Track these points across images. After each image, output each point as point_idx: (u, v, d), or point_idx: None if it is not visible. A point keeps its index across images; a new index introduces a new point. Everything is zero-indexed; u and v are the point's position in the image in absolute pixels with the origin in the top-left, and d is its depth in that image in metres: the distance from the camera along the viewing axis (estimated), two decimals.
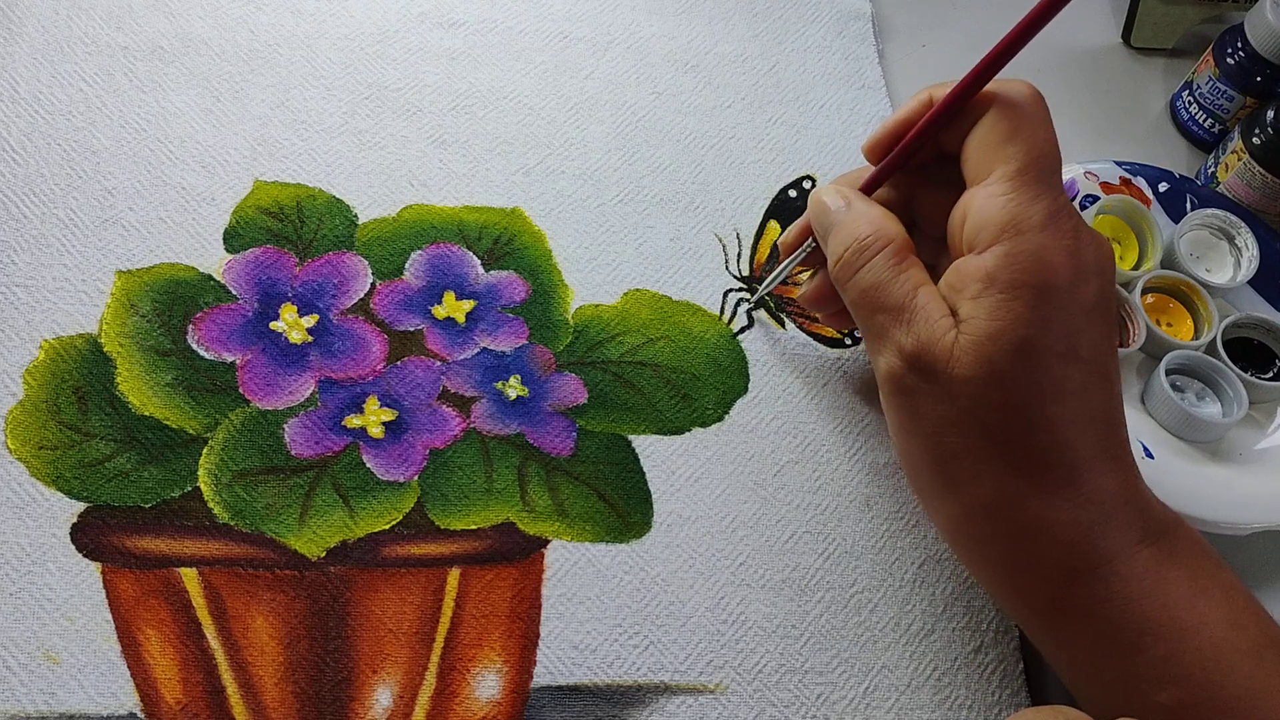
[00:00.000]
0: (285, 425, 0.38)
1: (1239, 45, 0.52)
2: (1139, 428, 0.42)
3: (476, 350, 0.41)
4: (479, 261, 0.43)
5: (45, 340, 0.38)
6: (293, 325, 0.40)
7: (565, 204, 0.45)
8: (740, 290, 0.45)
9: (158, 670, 0.33)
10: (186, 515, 0.35)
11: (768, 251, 0.46)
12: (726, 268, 0.45)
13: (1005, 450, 0.32)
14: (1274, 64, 0.51)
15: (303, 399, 0.38)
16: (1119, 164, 0.49)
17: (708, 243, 0.46)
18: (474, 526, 0.37)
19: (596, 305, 0.43)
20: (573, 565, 0.37)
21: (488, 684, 0.35)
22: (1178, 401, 0.42)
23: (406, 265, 0.42)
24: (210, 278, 0.40)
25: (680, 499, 0.39)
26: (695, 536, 0.39)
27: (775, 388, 0.43)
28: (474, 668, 0.35)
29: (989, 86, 0.34)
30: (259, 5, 0.47)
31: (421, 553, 0.36)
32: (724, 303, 0.44)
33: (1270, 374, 0.45)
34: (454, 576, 0.36)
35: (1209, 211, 0.47)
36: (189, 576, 0.34)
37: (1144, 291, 0.45)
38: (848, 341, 0.44)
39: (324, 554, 0.36)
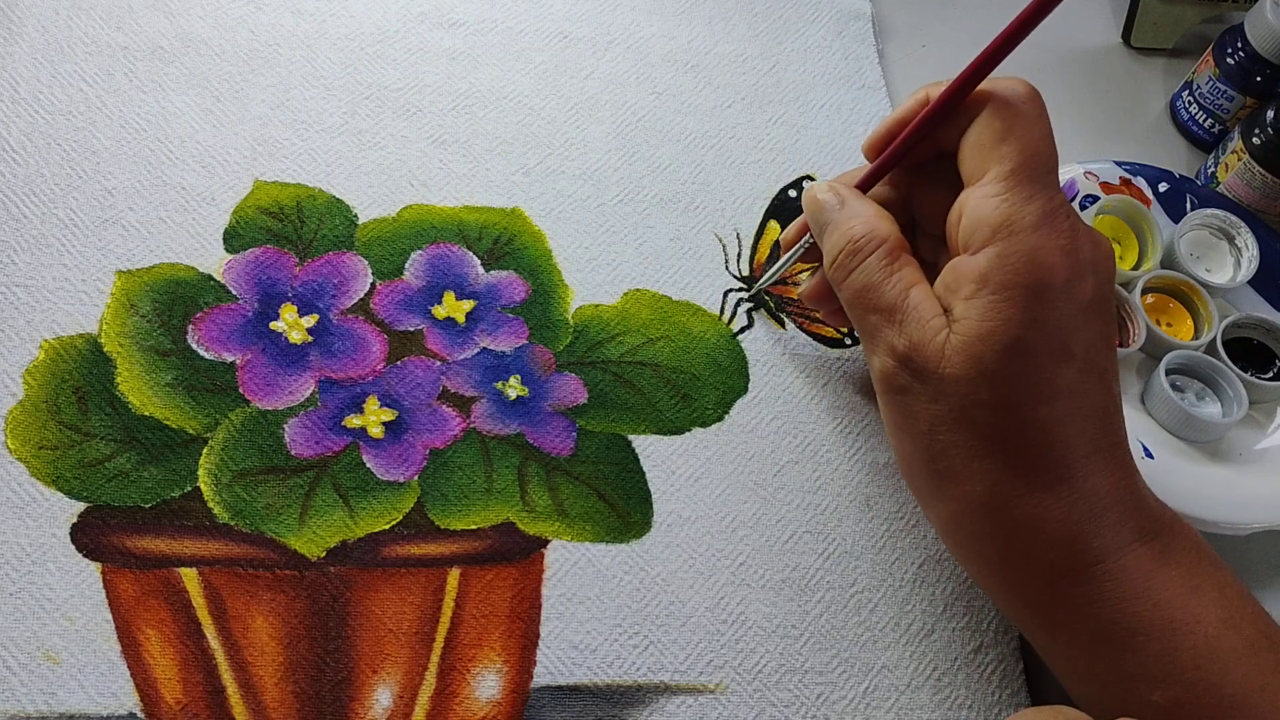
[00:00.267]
0: (285, 425, 0.38)
1: (1239, 45, 0.52)
2: (1139, 428, 0.42)
3: (476, 350, 0.41)
4: (479, 261, 0.43)
5: (45, 340, 0.38)
6: (293, 325, 0.40)
7: (565, 204, 0.45)
8: (740, 290, 0.45)
9: (158, 670, 0.33)
10: (186, 515, 0.35)
11: (768, 251, 0.46)
12: (726, 268, 0.45)
13: (997, 448, 0.32)
14: (1274, 64, 0.51)
15: (303, 399, 0.38)
16: (1119, 164, 0.49)
17: (708, 243, 0.46)
18: (474, 526, 0.37)
19: (596, 305, 0.43)
20: (573, 565, 0.37)
21: (488, 684, 0.35)
22: (1178, 401, 0.42)
23: (406, 265, 0.42)
24: (210, 278, 0.40)
25: (680, 499, 0.39)
26: (695, 536, 0.39)
27: (775, 388, 0.43)
28: (474, 668, 0.35)
29: (984, 85, 0.34)
30: (259, 5, 0.47)
31: (421, 553, 0.36)
32: (724, 303, 0.44)
33: (1270, 374, 0.45)
34: (454, 576, 0.36)
35: (1209, 211, 0.47)
36: (189, 576, 0.34)
37: (1144, 291, 0.45)
38: (848, 341, 0.44)
39: (324, 554, 0.36)
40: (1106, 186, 0.48)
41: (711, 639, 0.37)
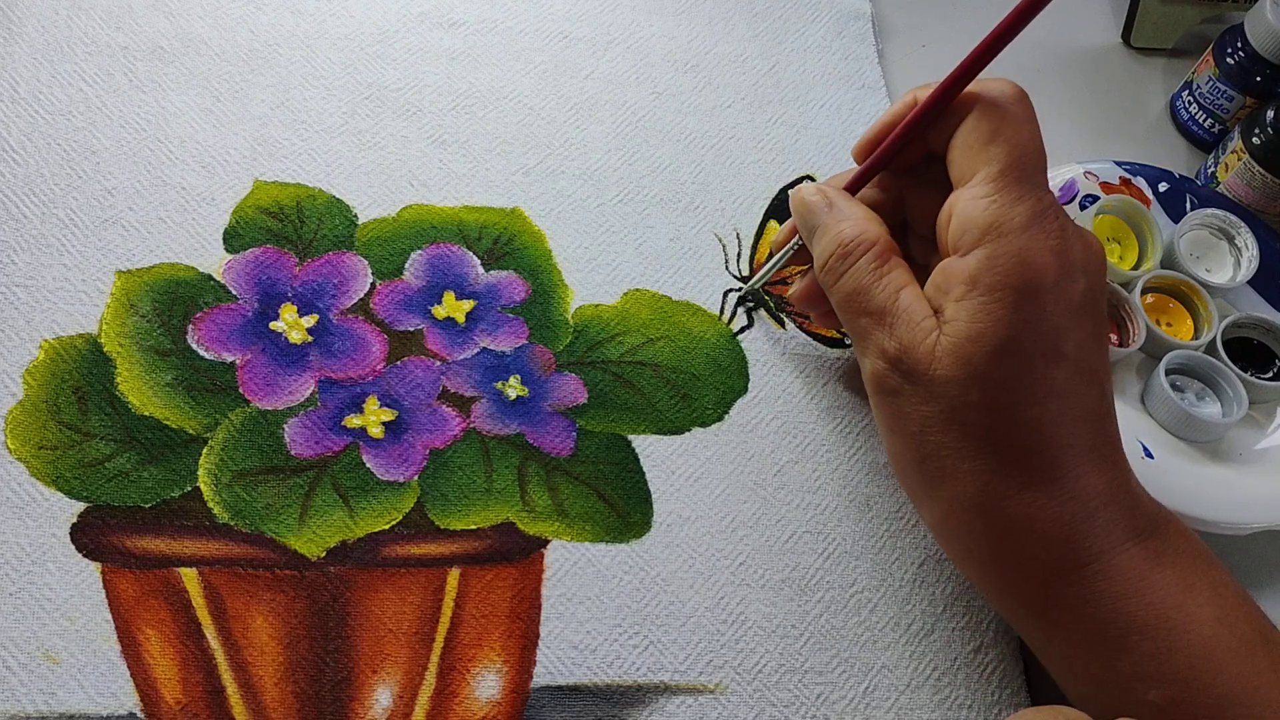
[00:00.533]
0: (285, 425, 0.38)
1: (1239, 45, 0.52)
2: (1139, 428, 0.42)
3: (476, 350, 0.41)
4: (479, 261, 0.43)
5: (45, 340, 0.38)
6: (293, 325, 0.40)
7: (565, 204, 0.45)
8: (740, 290, 0.45)
9: (158, 670, 0.33)
10: (186, 515, 0.35)
11: (767, 252, 0.46)
12: (726, 268, 0.45)
13: (988, 449, 0.32)
14: (1274, 64, 0.51)
15: (303, 399, 0.38)
16: (1119, 164, 0.49)
17: (708, 243, 0.46)
18: (474, 526, 0.37)
19: (596, 305, 0.43)
20: (573, 565, 0.37)
21: (488, 684, 0.35)
22: (1178, 401, 0.42)
23: (406, 265, 0.42)
24: (210, 278, 0.40)
25: (680, 499, 0.39)
26: (695, 536, 0.39)
27: (775, 388, 0.43)
28: (474, 668, 0.35)
29: (972, 86, 0.34)
30: (259, 5, 0.47)
31: (421, 553, 0.36)
32: (724, 303, 0.44)
33: (1270, 374, 0.45)
34: (454, 576, 0.36)
35: (1209, 211, 0.47)
36: (189, 576, 0.34)
37: (1144, 291, 0.45)
38: (847, 341, 0.44)
39: (324, 554, 0.36)
40: (1106, 186, 0.48)
41: (711, 639, 0.37)
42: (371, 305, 0.41)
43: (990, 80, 0.34)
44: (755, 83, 0.51)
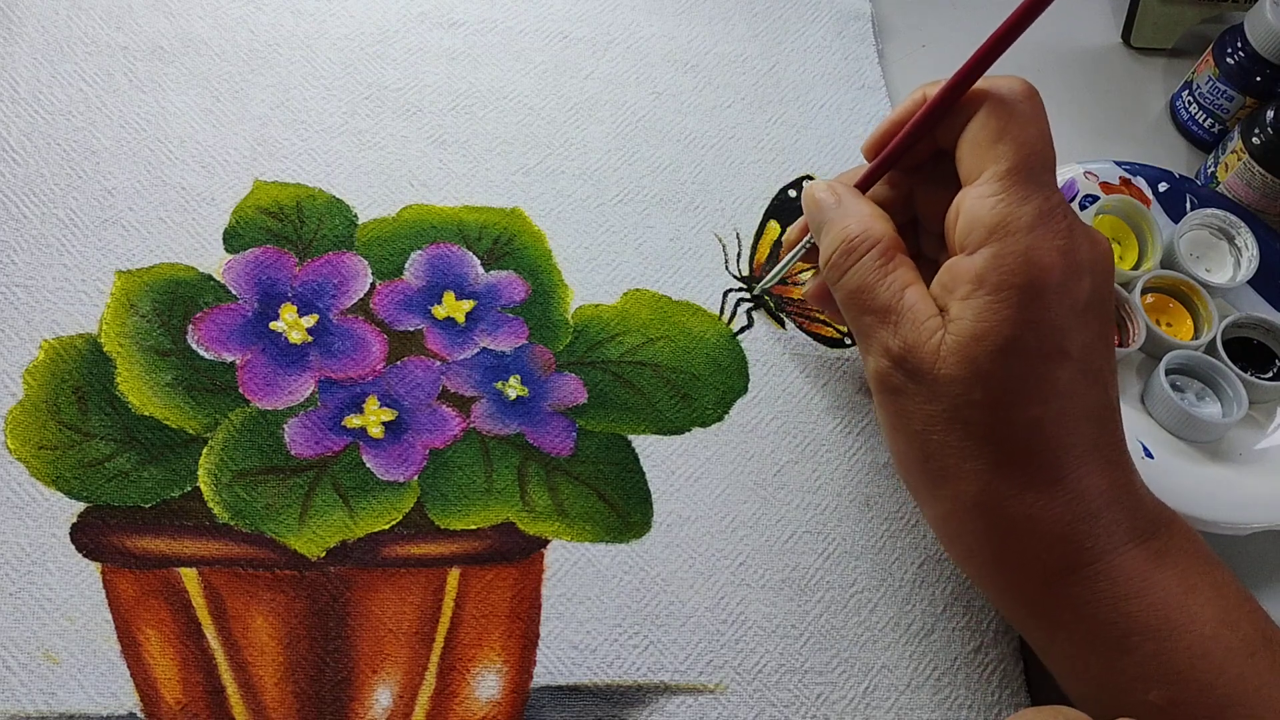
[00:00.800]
0: (285, 425, 0.38)
1: (1239, 45, 0.52)
2: (1139, 428, 0.42)
3: (476, 350, 0.41)
4: (479, 261, 0.43)
5: (45, 340, 0.38)
6: (292, 325, 0.40)
7: (565, 204, 0.45)
8: (740, 290, 0.45)
9: (158, 670, 0.33)
10: (186, 515, 0.35)
11: (768, 251, 0.46)
12: (726, 268, 0.45)
13: (990, 448, 0.32)
14: (1274, 64, 0.51)
15: (303, 399, 0.38)
16: (1119, 164, 0.49)
17: (708, 243, 0.46)
18: (474, 526, 0.37)
19: (596, 305, 0.43)
20: (573, 565, 0.37)
21: (488, 684, 0.35)
22: (1178, 401, 0.42)
23: (406, 265, 0.42)
24: (210, 278, 0.40)
25: (680, 499, 0.39)
26: (695, 536, 0.39)
27: (775, 388, 0.43)
28: (474, 668, 0.35)
29: (981, 83, 0.34)
30: (259, 5, 0.47)
31: (421, 553, 0.36)
32: (724, 303, 0.44)
33: (1270, 374, 0.45)
34: (454, 576, 0.36)
35: (1209, 211, 0.47)
36: (189, 576, 0.34)
37: (1144, 291, 0.45)
38: (847, 341, 0.44)
39: (324, 554, 0.36)
40: (1106, 186, 0.48)
41: (711, 639, 0.37)
42: (371, 305, 0.41)
43: (1000, 77, 0.34)
44: (755, 83, 0.51)
